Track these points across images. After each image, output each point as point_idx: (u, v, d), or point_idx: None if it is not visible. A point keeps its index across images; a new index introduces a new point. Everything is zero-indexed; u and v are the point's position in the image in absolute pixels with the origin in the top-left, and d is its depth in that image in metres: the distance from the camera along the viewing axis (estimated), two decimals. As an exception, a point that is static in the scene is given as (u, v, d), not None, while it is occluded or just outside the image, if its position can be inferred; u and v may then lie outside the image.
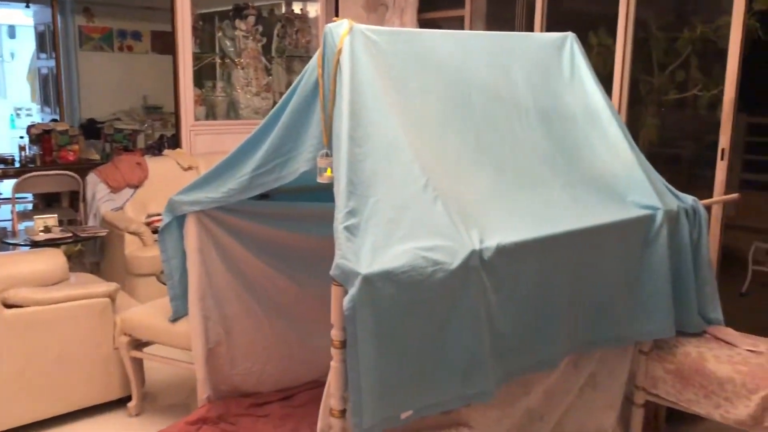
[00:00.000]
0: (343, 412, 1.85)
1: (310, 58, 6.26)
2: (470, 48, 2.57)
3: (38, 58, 8.81)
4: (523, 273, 2.12)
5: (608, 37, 4.38)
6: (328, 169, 2.28)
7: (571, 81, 2.85)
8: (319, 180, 2.29)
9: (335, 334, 1.82)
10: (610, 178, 2.64)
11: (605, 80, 2.95)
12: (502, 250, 2.02)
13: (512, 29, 4.99)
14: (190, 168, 5.10)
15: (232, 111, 5.69)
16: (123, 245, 4.41)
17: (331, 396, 1.86)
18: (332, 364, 1.85)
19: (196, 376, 2.90)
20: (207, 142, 5.43)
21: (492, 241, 2.02)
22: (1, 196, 7.09)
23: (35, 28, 8.68)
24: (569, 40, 2.84)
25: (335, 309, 1.81)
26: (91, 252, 4.88)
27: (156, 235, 4.54)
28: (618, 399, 2.63)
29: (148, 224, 4.65)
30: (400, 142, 2.11)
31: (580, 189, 2.55)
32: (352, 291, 1.74)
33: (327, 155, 2.26)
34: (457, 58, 2.53)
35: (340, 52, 2.13)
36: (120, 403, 3.21)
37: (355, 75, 2.13)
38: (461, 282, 1.91)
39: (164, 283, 3.37)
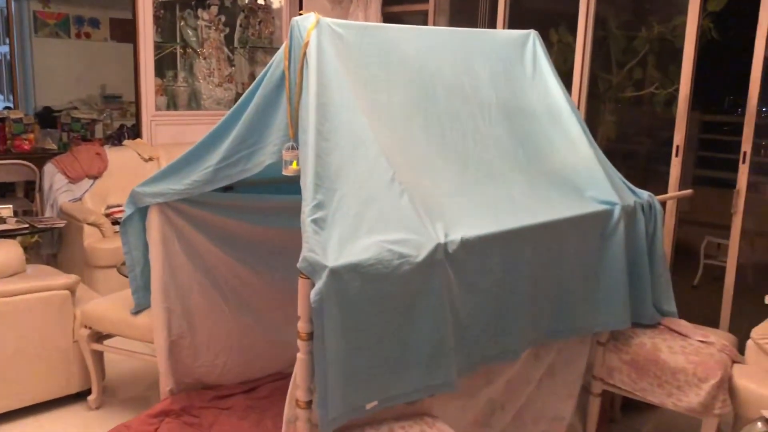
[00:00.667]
0: (309, 403, 1.87)
1: (273, 49, 6.25)
2: (435, 43, 2.60)
3: (-9, 43, 8.54)
4: (486, 266, 2.16)
5: (569, 35, 4.46)
6: (294, 162, 2.29)
7: (533, 78, 2.90)
8: (285, 173, 2.30)
9: (302, 326, 1.84)
10: (570, 173, 2.70)
11: (565, 77, 3.02)
12: (466, 244, 2.06)
13: (475, 25, 5.05)
14: (150, 159, 5.03)
15: (194, 101, 5.62)
16: (82, 237, 4.33)
17: (297, 387, 1.87)
18: (298, 355, 1.86)
19: (158, 368, 2.88)
20: (168, 132, 5.36)
21: (456, 235, 2.05)
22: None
23: (-12, 12, 8.41)
24: (532, 37, 2.89)
25: (302, 301, 1.82)
26: (48, 244, 4.77)
27: (116, 227, 4.49)
28: (576, 388, 2.70)
29: (107, 215, 4.58)
30: (366, 136, 2.12)
31: (540, 184, 2.61)
32: (319, 284, 1.75)
33: (293, 148, 2.26)
34: (422, 53, 2.55)
35: (306, 45, 2.14)
36: (79, 396, 3.17)
37: (322, 68, 2.14)
38: (426, 275, 1.94)
39: (125, 275, 3.33)
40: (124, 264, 3.52)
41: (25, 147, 5.59)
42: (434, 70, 2.56)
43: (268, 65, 2.34)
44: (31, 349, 2.97)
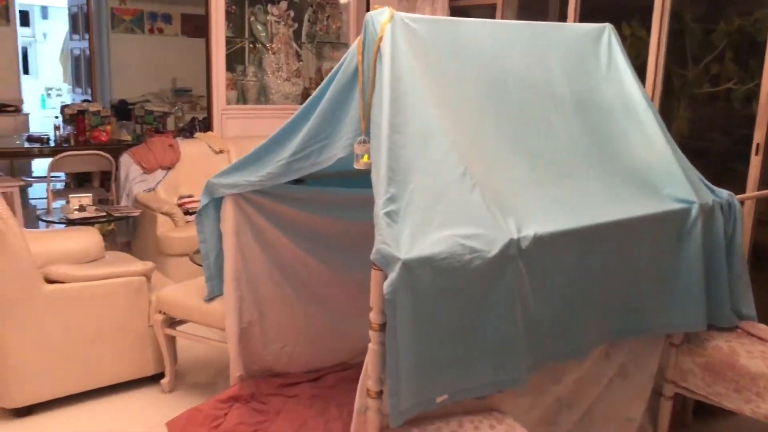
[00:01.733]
0: (379, 393, 1.89)
1: (340, 44, 6.31)
2: (507, 37, 2.58)
3: (71, 39, 8.92)
4: (558, 262, 2.14)
5: (642, 29, 4.34)
6: (365, 156, 2.31)
7: (607, 72, 2.84)
8: (356, 166, 2.32)
9: (374, 317, 1.86)
10: (646, 170, 2.64)
11: (637, 72, 2.93)
12: (539, 240, 2.04)
13: (544, 20, 4.97)
14: (221, 151, 5.16)
15: (263, 96, 5.74)
16: (155, 225, 4.49)
17: (368, 377, 1.90)
18: (370, 346, 1.88)
19: (227, 355, 2.96)
20: (237, 125, 5.49)
21: (529, 231, 2.04)
22: (34, 175, 7.24)
23: (69, 9, 8.78)
24: (607, 31, 2.83)
25: (374, 293, 1.84)
26: (123, 231, 4.97)
27: (188, 217, 4.63)
28: (647, 390, 2.64)
29: (179, 205, 4.73)
30: (437, 130, 2.13)
31: (615, 180, 2.56)
32: (392, 276, 1.77)
33: (364, 142, 2.29)
34: (494, 47, 2.53)
35: (381, 39, 2.15)
36: (153, 379, 3.29)
37: (396, 62, 2.15)
38: (498, 270, 1.94)
39: (197, 264, 3.44)
40: (196, 252, 3.65)
41: (103, 138, 5.83)
42: (507, 64, 2.54)
43: (341, 60, 2.36)
44: (109, 332, 3.10)
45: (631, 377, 2.62)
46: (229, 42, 5.50)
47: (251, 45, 5.70)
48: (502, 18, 5.15)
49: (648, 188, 2.53)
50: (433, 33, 2.34)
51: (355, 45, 2.30)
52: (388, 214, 1.90)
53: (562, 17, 4.73)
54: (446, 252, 1.86)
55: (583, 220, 2.22)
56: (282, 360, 3.08)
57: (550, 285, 2.13)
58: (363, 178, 2.39)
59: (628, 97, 2.80)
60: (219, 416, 2.81)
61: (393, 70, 2.14)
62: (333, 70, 2.40)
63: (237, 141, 5.30)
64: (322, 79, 6.32)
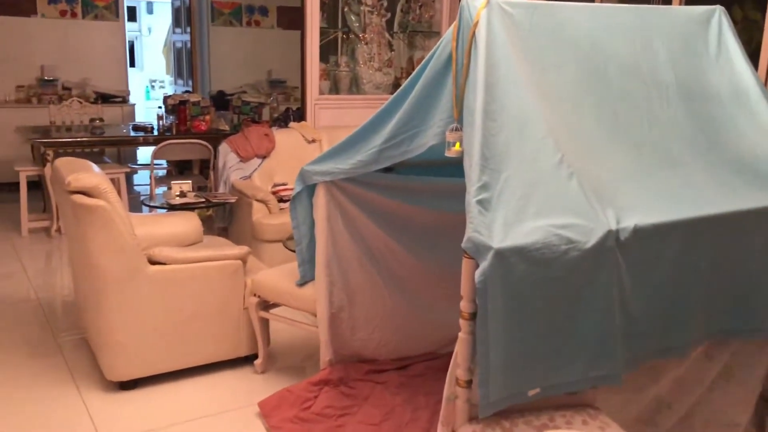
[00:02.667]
0: (468, 383, 1.87)
1: (433, 33, 6.26)
2: (608, 21, 2.48)
3: (174, 32, 9.30)
4: (660, 256, 2.05)
5: (756, 11, 4.08)
6: (457, 144, 2.28)
7: (717, 58, 2.69)
8: (447, 154, 2.30)
9: (464, 305, 1.84)
10: (759, 161, 2.48)
11: (750, 57, 2.76)
12: (639, 232, 1.96)
13: (648, 3, 4.75)
14: (313, 140, 5.25)
15: (354, 86, 5.78)
16: (251, 212, 4.63)
17: (457, 366, 1.88)
18: (460, 335, 1.87)
19: (317, 339, 3.02)
20: (330, 115, 5.57)
21: (629, 222, 1.96)
22: (138, 163, 7.63)
23: (171, 4, 9.16)
24: (717, 13, 2.68)
25: (465, 281, 1.82)
26: (221, 217, 5.16)
27: (282, 204, 4.75)
28: (753, 395, 2.49)
29: (274, 193, 4.85)
30: (533, 117, 2.08)
31: (724, 171, 2.42)
32: (484, 264, 1.75)
33: (456, 129, 2.26)
34: (595, 31, 2.44)
35: (476, 25, 2.12)
36: (247, 360, 3.39)
37: (491, 48, 2.11)
38: (595, 262, 1.87)
39: (291, 250, 3.51)
40: (289, 239, 3.72)
41: (202, 128, 6.05)
42: (608, 49, 2.44)
43: (435, 47, 2.34)
44: (206, 312, 3.22)
45: (736, 380, 2.47)
46: (322, 33, 5.56)
47: (344, 35, 5.75)
48: (603, 1, 4.95)
49: (760, 179, 2.37)
50: (531, 18, 2.28)
51: (450, 31, 2.27)
52: (480, 202, 1.87)
53: (667, 0, 4.50)
54: (541, 242, 1.81)
55: (688, 212, 2.11)
56: (370, 346, 3.11)
57: (651, 279, 2.04)
58: (454, 167, 2.37)
59: (740, 85, 2.65)
60: (309, 398, 2.88)
61: (488, 55, 2.10)
62: (426, 58, 2.38)
63: (329, 130, 5.38)
64: (413, 69, 6.30)
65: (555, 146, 2.03)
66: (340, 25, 5.70)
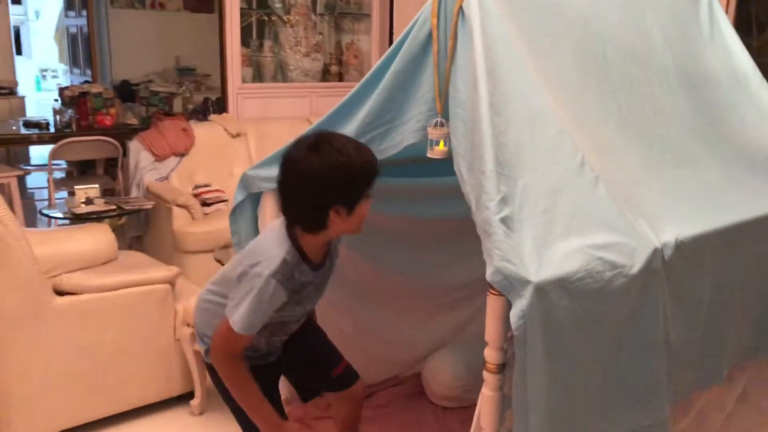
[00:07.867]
0: (496, 451, 1.48)
1: (362, 15, 5.78)
2: (600, -1, 2.16)
3: (66, 16, 8.45)
4: (698, 274, 1.74)
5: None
6: (441, 142, 1.90)
7: (711, 39, 2.45)
8: (430, 155, 1.92)
9: (491, 355, 1.44)
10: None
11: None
12: (681, 247, 1.63)
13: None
14: (238, 135, 4.71)
15: (280, 73, 5.27)
16: (170, 219, 4.05)
17: (481, 431, 1.48)
18: (484, 391, 1.47)
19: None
20: (255, 106, 5.03)
21: (668, 236, 1.63)
22: (32, 163, 6.81)
23: (62, -17, 8.29)
24: (706, -10, 2.43)
25: (493, 324, 1.42)
26: (134, 226, 4.52)
27: (205, 208, 4.20)
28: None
29: (196, 196, 4.29)
30: (543, 109, 1.73)
31: (735, 166, 2.16)
32: (522, 303, 1.35)
33: (441, 125, 1.87)
34: (587, 9, 2.12)
35: (462, -2, 1.72)
36: (181, 400, 2.90)
37: (486, 26, 1.73)
38: (641, 290, 1.53)
39: (221, 263, 3.04)
40: (223, 247, 3.25)
41: (107, 123, 5.36)
42: (602, 29, 2.14)
43: (409, 25, 1.94)
44: (130, 349, 2.69)
45: (752, 403, 2.23)
46: (242, 14, 5.02)
47: (267, 17, 5.22)
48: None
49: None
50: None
51: (428, 6, 1.87)
52: (503, 221, 1.47)
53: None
54: (582, 270, 1.44)
55: (723, 219, 1.81)
56: (329, 377, 2.68)
57: (691, 302, 1.73)
58: (430, 166, 1.99)
59: (738, 68, 2.42)
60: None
61: (484, 34, 1.71)
62: (398, 38, 1.97)
63: (255, 123, 4.86)
64: (342, 54, 5.85)
65: (572, 144, 1.68)
66: (260, 6, 5.15)
